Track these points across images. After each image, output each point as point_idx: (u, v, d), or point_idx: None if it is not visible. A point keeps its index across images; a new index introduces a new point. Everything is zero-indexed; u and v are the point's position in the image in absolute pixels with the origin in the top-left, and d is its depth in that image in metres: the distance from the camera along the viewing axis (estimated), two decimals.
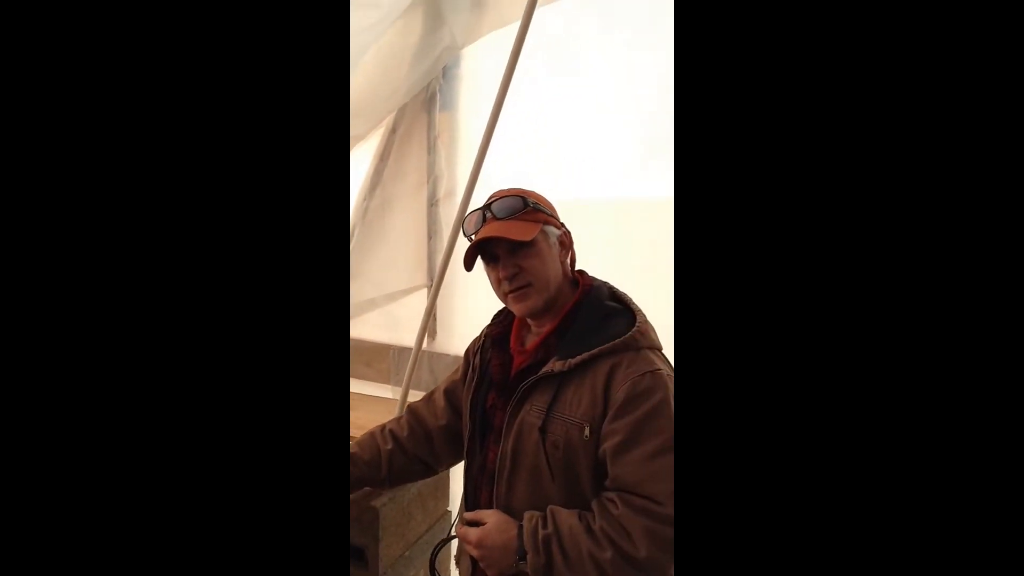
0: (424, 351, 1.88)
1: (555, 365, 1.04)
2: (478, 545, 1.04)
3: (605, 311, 1.09)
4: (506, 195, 1.12)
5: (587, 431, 1.00)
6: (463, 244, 1.63)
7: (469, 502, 1.17)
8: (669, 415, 0.97)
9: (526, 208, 1.09)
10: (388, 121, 2.04)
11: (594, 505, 1.01)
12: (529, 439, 1.05)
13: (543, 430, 1.04)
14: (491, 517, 1.06)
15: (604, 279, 1.18)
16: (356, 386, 2.14)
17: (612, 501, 0.98)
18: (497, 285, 1.12)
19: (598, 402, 1.01)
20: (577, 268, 1.19)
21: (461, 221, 1.58)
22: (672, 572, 0.97)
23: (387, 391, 2.13)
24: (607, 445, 1.00)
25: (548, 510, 1.02)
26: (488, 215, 1.10)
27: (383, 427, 1.34)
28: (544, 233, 1.10)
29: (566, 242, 1.14)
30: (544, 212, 1.12)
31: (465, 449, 1.19)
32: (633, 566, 0.93)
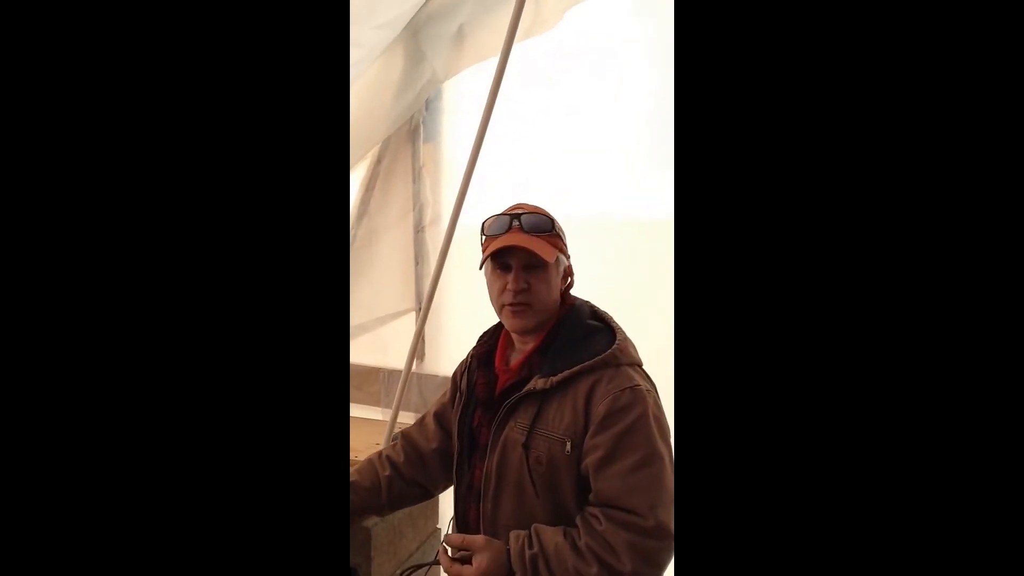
0: (413, 373, 1.92)
1: (537, 383, 1.06)
2: None
3: (586, 329, 1.11)
4: (534, 211, 1.14)
5: (569, 446, 1.03)
6: (450, 269, 1.70)
7: (459, 521, 1.19)
8: (649, 429, 1.00)
9: (551, 231, 1.12)
10: (373, 152, 2.10)
11: (578, 521, 1.02)
12: (513, 455, 1.07)
13: (526, 446, 1.05)
14: (483, 550, 1.04)
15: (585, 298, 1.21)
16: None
17: (595, 517, 0.99)
18: (498, 294, 1.12)
19: (579, 418, 1.03)
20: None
21: (447, 247, 1.65)
22: None
23: (377, 413, 2.16)
24: (589, 460, 1.02)
25: (532, 529, 1.03)
26: (515, 224, 1.10)
27: (380, 454, 1.36)
28: (557, 259, 1.12)
29: (569, 272, 1.17)
30: (561, 239, 1.15)
31: (454, 468, 1.20)
32: None
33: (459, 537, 1.09)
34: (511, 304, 1.10)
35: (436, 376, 2.10)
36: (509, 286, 1.09)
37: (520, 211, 1.13)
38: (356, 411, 2.18)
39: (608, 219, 1.78)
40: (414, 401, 2.09)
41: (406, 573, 1.26)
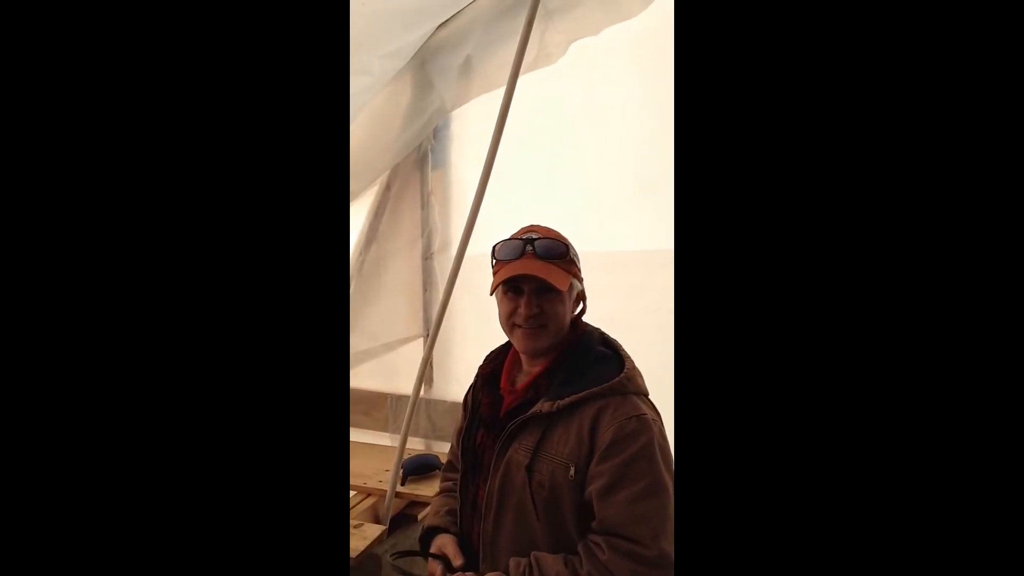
0: (421, 399, 1.93)
1: (544, 406, 1.06)
2: None
3: (595, 356, 1.11)
4: (548, 235, 1.12)
5: (572, 471, 1.02)
6: (458, 296, 1.71)
7: (463, 539, 1.18)
8: (654, 458, 1.00)
9: (566, 257, 1.10)
10: (382, 179, 2.13)
11: (580, 549, 1.02)
12: (516, 477, 1.06)
13: (530, 469, 1.05)
14: None
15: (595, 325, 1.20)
16: (355, 435, 2.17)
17: (598, 545, 0.99)
18: (508, 316, 1.11)
19: (584, 443, 1.02)
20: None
21: (455, 273, 1.66)
22: None
23: (385, 439, 2.17)
24: (593, 487, 1.01)
25: (532, 556, 1.03)
26: (528, 249, 1.08)
27: (440, 491, 1.33)
28: (571, 285, 1.11)
29: (581, 297, 1.16)
30: (575, 265, 1.13)
31: (459, 487, 1.20)
32: None
33: None
34: (524, 326, 1.09)
35: (444, 401, 2.10)
36: (521, 310, 1.08)
37: (534, 235, 1.11)
38: (364, 437, 2.18)
39: (614, 249, 1.79)
40: (423, 426, 2.10)
41: (395, 557, 1.26)
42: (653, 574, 0.95)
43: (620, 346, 1.15)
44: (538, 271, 1.06)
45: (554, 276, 1.06)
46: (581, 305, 1.17)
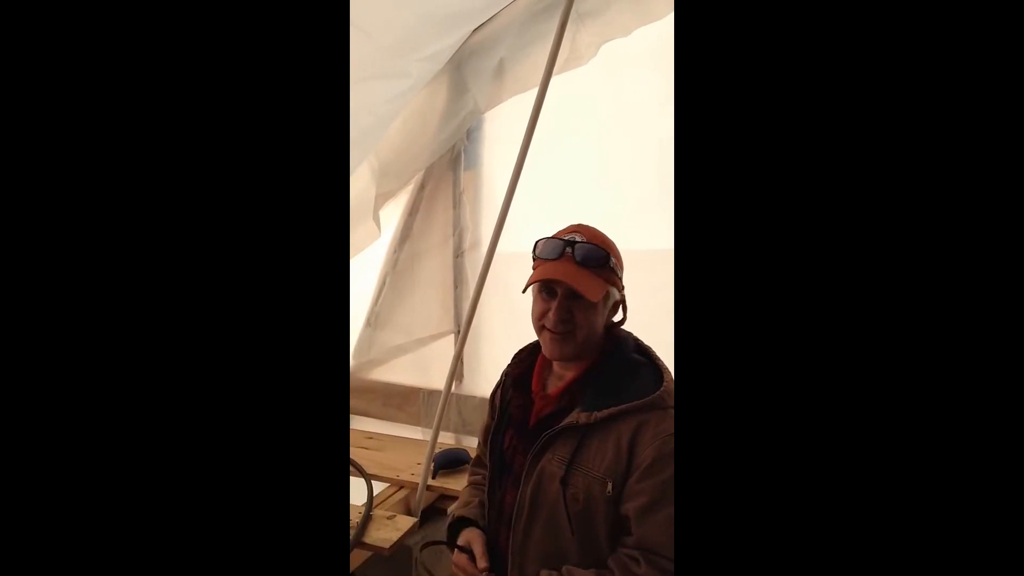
0: (452, 394, 1.97)
1: (580, 416, 1.03)
2: None
3: (631, 364, 1.08)
4: (592, 240, 1.06)
5: (609, 487, 1.00)
6: (488, 293, 1.75)
7: (489, 541, 1.16)
8: None
9: (605, 265, 1.05)
10: (417, 179, 2.18)
11: (611, 562, 1.00)
12: (549, 489, 1.04)
13: (564, 481, 1.02)
14: None
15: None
16: (387, 428, 2.23)
17: (635, 560, 0.98)
18: (539, 317, 1.07)
19: (622, 459, 1.00)
20: None
21: (486, 271, 1.70)
22: None
23: (417, 432, 2.21)
24: (631, 505, 0.99)
25: (565, 570, 1.02)
26: (568, 251, 1.04)
27: (469, 484, 1.34)
28: (607, 295, 1.06)
29: (619, 305, 1.11)
30: (616, 274, 1.08)
31: (486, 489, 1.19)
32: None
33: None
34: (552, 330, 1.05)
35: (474, 397, 2.14)
36: (551, 314, 1.04)
37: (577, 237, 1.06)
38: (396, 430, 2.23)
39: (641, 248, 1.80)
40: (453, 421, 2.13)
41: (424, 547, 1.29)
42: None
43: (655, 354, 1.12)
44: (572, 278, 1.02)
45: (587, 285, 1.02)
46: (620, 313, 1.13)
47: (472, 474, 1.34)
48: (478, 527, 1.19)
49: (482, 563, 1.12)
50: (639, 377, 1.06)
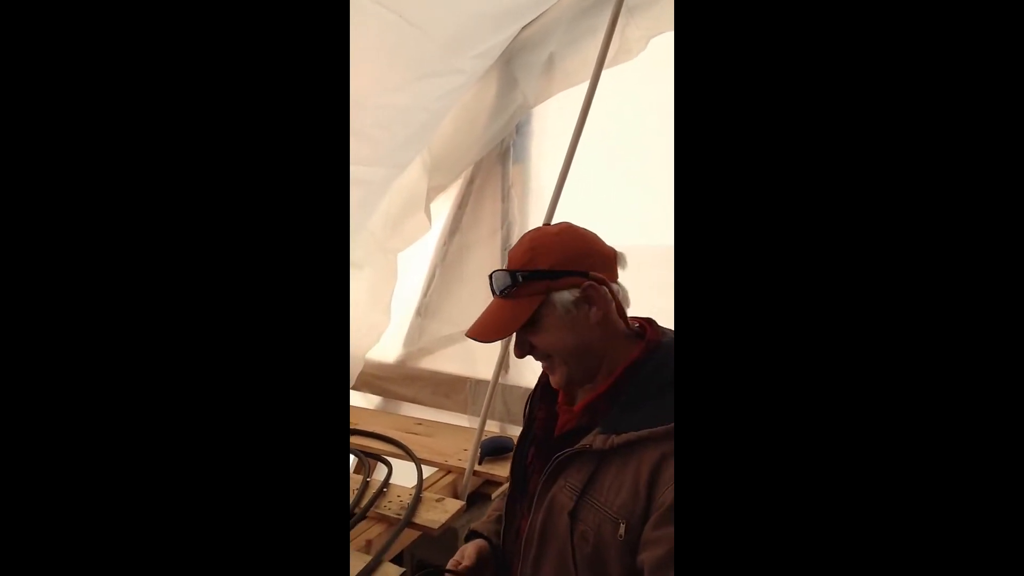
0: (498, 384, 2.02)
1: (595, 440, 0.88)
2: None
3: (669, 378, 0.87)
4: (513, 258, 0.96)
5: (622, 529, 0.84)
6: None
7: (505, 563, 1.05)
8: None
9: (516, 284, 0.93)
10: (467, 173, 2.22)
11: None
12: (559, 521, 0.90)
13: (573, 515, 0.88)
14: None
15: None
16: (435, 415, 2.29)
17: None
18: None
19: (640, 496, 0.83)
20: (646, 317, 1.03)
21: None
22: None
23: (463, 420, 2.27)
24: (647, 556, 0.82)
25: None
26: (492, 286, 0.96)
27: (502, 494, 1.33)
28: (549, 305, 0.92)
29: (592, 296, 0.93)
30: (542, 279, 0.92)
31: (505, 504, 1.08)
32: None
33: None
34: (541, 361, 0.97)
35: (519, 387, 2.18)
36: (515, 349, 0.97)
37: (499, 268, 0.97)
38: (444, 417, 2.29)
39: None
40: (498, 410, 2.18)
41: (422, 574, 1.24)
42: None
43: None
44: (482, 320, 0.96)
45: (498, 318, 0.94)
46: (601, 304, 0.94)
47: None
48: (489, 542, 1.09)
49: (465, 562, 1.04)
50: (672, 396, 0.84)
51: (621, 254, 1.00)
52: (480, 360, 2.26)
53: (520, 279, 0.94)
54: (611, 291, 0.94)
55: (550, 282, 0.93)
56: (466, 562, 1.05)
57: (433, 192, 2.16)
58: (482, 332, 0.94)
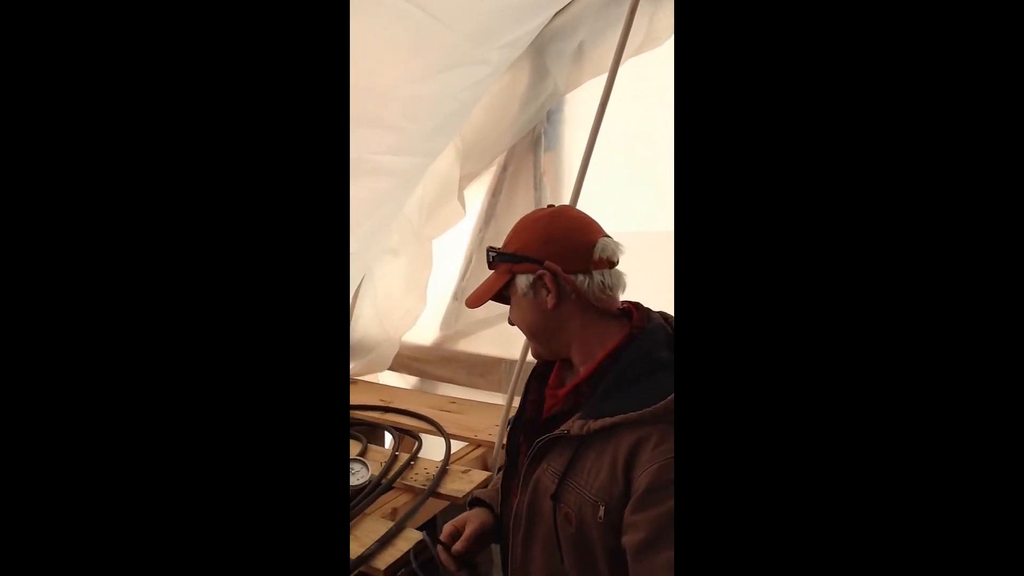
0: (527, 363, 2.08)
1: (574, 425, 0.91)
2: None
3: (651, 364, 0.91)
4: (508, 240, 1.05)
5: (602, 511, 0.86)
6: None
7: (502, 538, 1.09)
8: None
9: (490, 261, 1.04)
10: (500, 160, 2.28)
11: None
12: (543, 504, 0.93)
13: (556, 498, 0.91)
14: None
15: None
16: (471, 394, 2.37)
17: None
18: None
19: (618, 479, 0.86)
20: (632, 301, 1.05)
21: None
22: None
23: (499, 399, 2.34)
24: (627, 539, 0.84)
25: None
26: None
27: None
28: (514, 285, 1.01)
29: (546, 282, 0.97)
30: (506, 261, 1.01)
31: (500, 481, 1.12)
32: None
33: None
34: None
35: None
36: None
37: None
38: (480, 396, 2.37)
39: None
40: None
41: (418, 552, 1.19)
42: None
43: None
44: (476, 290, 1.07)
45: (479, 289, 1.06)
46: (559, 290, 0.98)
47: None
48: (492, 511, 1.13)
49: (459, 546, 1.05)
50: (652, 381, 0.89)
51: (613, 243, 1.02)
52: (515, 342, 2.31)
53: (491, 257, 1.04)
54: (569, 281, 0.97)
55: (512, 264, 1.01)
56: (465, 536, 1.08)
57: (465, 180, 2.22)
58: (470, 299, 1.07)
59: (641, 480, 0.84)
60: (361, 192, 1.90)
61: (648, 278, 1.27)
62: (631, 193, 1.98)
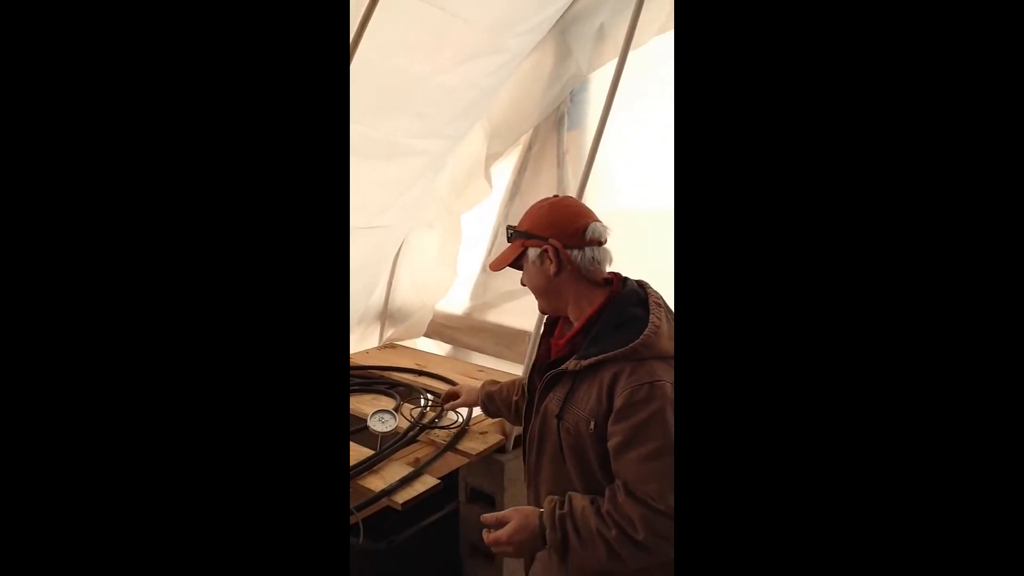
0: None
1: (571, 363, 1.20)
2: (508, 542, 1.18)
3: (623, 318, 1.20)
4: (523, 219, 1.32)
5: (592, 424, 1.15)
6: None
7: (526, 468, 1.38)
8: (664, 423, 1.08)
9: (509, 236, 1.31)
10: (526, 139, 2.37)
11: (607, 491, 1.15)
12: (550, 424, 1.23)
13: (559, 417, 1.21)
14: (512, 516, 1.20)
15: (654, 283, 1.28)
16: (498, 364, 2.50)
17: (618, 489, 1.12)
18: None
19: (603, 402, 1.14)
20: (614, 271, 1.31)
21: None
22: (672, 554, 1.07)
23: (522, 371, 2.46)
24: (610, 443, 1.13)
25: (567, 495, 1.18)
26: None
27: (520, 380, 1.64)
28: (526, 255, 1.28)
29: (549, 255, 1.24)
30: (520, 237, 1.29)
31: (523, 416, 1.39)
32: (635, 546, 1.08)
33: (492, 516, 1.24)
34: None
35: None
36: None
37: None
38: (505, 367, 2.50)
39: None
40: None
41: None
42: (663, 521, 1.07)
43: (656, 307, 1.21)
44: (500, 256, 1.32)
45: (500, 256, 1.32)
46: (558, 261, 1.24)
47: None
48: (481, 399, 1.65)
49: (490, 518, 1.25)
50: (626, 330, 1.17)
51: (601, 227, 1.29)
52: (539, 316, 2.43)
53: (509, 233, 1.33)
54: (566, 255, 1.25)
55: (525, 240, 1.30)
56: (450, 392, 1.69)
57: (492, 158, 2.32)
58: (493, 263, 1.34)
59: (618, 400, 1.12)
60: (395, 172, 2.03)
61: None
62: (655, 171, 2.04)
